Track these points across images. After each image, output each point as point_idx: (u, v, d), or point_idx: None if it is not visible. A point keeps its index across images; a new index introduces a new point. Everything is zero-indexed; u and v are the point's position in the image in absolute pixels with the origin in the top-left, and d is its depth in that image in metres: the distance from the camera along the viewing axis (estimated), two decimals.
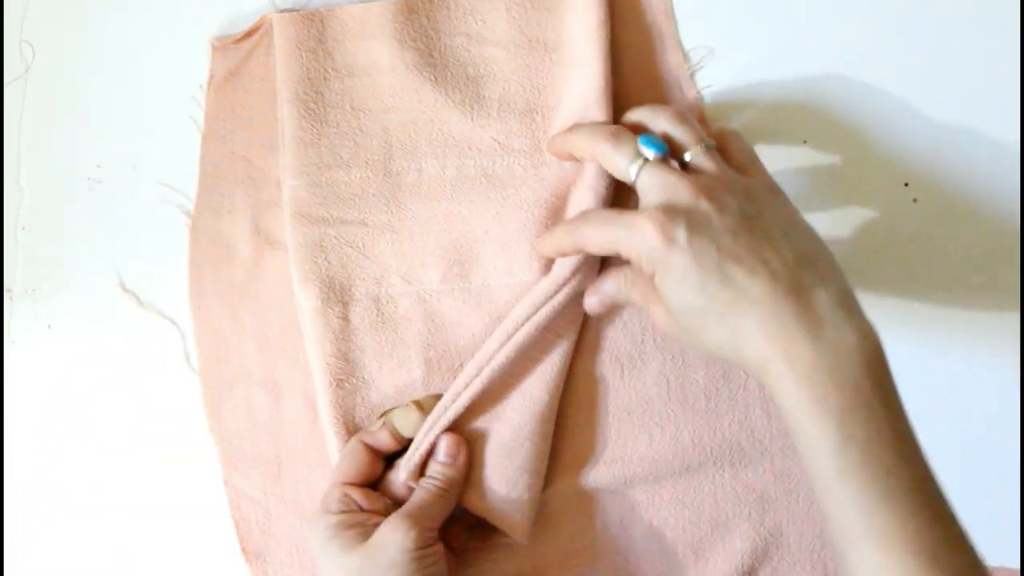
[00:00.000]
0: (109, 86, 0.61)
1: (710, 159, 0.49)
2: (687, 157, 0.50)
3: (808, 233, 0.48)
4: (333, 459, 0.55)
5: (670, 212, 0.46)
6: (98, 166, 0.60)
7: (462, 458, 0.52)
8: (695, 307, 0.46)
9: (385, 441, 0.53)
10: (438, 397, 0.55)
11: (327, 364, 0.55)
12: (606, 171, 0.54)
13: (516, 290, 0.56)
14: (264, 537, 0.56)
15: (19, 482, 0.58)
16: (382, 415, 0.55)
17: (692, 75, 0.60)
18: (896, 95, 0.60)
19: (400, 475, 0.53)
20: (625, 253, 0.48)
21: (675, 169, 0.48)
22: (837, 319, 0.44)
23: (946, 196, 0.59)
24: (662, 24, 0.60)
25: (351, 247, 0.57)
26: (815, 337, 0.43)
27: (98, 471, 0.57)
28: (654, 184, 0.48)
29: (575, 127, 0.54)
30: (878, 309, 0.58)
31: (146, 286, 0.59)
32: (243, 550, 0.56)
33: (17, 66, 0.61)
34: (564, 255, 0.53)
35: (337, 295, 0.56)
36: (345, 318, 0.56)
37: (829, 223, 0.59)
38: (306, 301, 0.56)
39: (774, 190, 0.50)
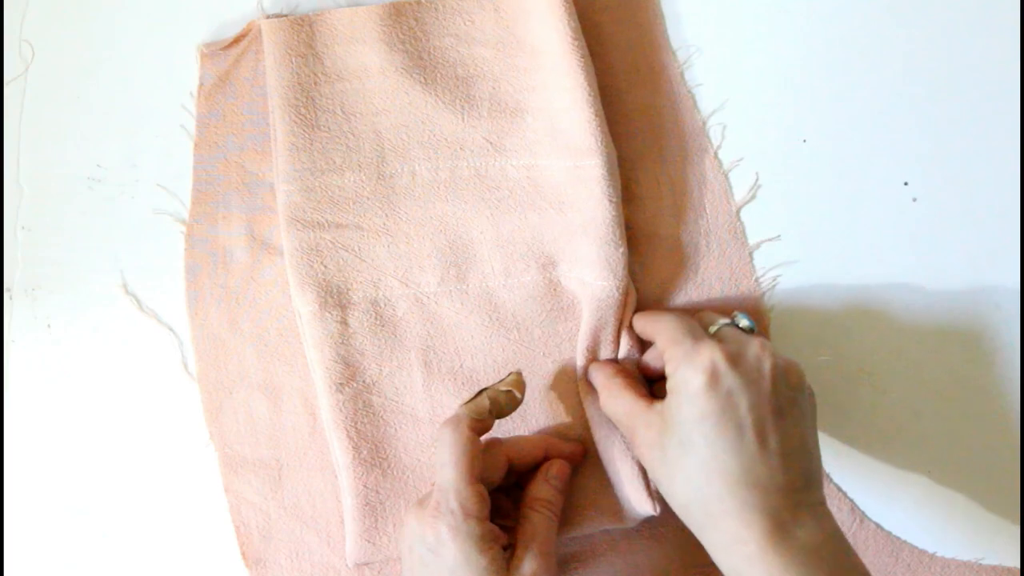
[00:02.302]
0: (109, 86, 0.60)
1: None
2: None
3: (812, 445, 0.49)
4: (336, 462, 0.56)
5: (734, 359, 0.47)
6: (98, 166, 0.60)
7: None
8: (694, 454, 0.47)
9: (488, 424, 0.51)
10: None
11: (327, 368, 0.55)
12: (617, 182, 0.55)
13: (514, 291, 0.56)
14: (264, 542, 0.56)
15: (19, 482, 0.58)
16: (474, 398, 0.51)
17: (682, 74, 0.60)
18: (896, 95, 0.60)
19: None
20: (668, 358, 0.49)
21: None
22: (809, 525, 0.46)
23: (946, 196, 0.59)
24: (651, 22, 0.60)
25: (347, 251, 0.57)
26: (791, 537, 0.45)
27: (97, 472, 0.57)
28: (732, 337, 0.50)
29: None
30: (878, 308, 0.58)
31: (146, 286, 0.59)
32: (243, 555, 0.56)
33: (17, 66, 0.61)
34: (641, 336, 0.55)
35: (335, 299, 0.56)
36: (344, 322, 0.56)
37: (829, 223, 0.59)
38: (304, 306, 0.56)
39: (805, 387, 0.50)
